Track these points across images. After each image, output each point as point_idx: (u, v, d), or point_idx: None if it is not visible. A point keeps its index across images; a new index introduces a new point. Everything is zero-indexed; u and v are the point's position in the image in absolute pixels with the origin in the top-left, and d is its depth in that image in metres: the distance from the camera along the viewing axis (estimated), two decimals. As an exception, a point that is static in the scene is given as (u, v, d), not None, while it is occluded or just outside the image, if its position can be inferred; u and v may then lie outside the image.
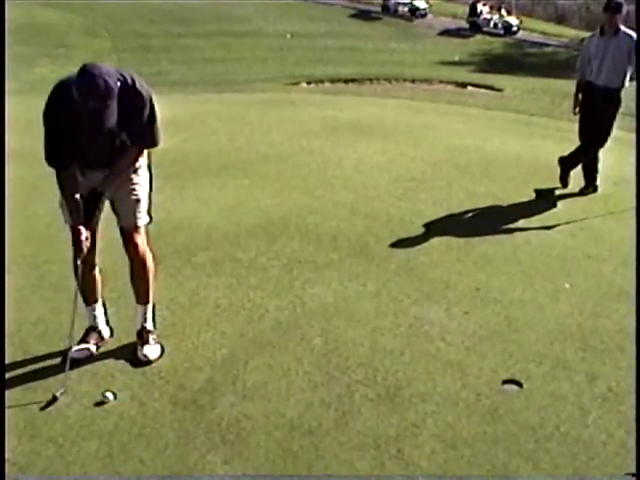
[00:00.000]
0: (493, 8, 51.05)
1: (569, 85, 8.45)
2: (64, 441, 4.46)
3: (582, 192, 8.99)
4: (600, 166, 8.87)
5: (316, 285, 6.48)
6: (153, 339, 5.36)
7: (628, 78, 8.59)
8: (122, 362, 5.26)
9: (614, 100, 8.61)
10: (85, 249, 5.03)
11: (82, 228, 4.99)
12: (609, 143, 8.55)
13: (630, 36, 8.51)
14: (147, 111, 4.85)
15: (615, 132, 8.67)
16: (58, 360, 5.22)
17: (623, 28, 8.55)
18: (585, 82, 8.80)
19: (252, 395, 4.91)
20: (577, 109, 8.87)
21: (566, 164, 9.03)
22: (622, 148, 8.10)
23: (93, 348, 5.33)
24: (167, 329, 5.68)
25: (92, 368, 5.17)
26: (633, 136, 8.65)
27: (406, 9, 53.07)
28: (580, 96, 8.87)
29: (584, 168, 9.06)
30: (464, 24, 51.44)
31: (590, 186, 9.01)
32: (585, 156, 8.90)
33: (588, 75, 8.74)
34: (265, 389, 4.98)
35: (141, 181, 5.29)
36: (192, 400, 4.85)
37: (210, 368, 5.20)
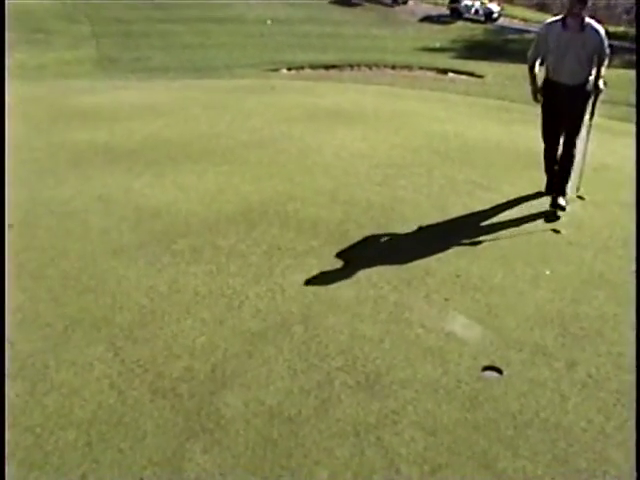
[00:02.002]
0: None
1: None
2: (42, 431, 4.43)
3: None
4: (579, 154, 8.52)
5: (296, 272, 6.46)
6: None
7: (594, 73, 7.82)
8: (101, 350, 5.23)
9: (581, 95, 7.86)
10: None
11: None
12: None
13: (597, 32, 7.69)
14: None
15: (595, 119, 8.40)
16: (36, 349, 5.20)
17: (589, 20, 7.69)
18: (544, 79, 8.08)
19: (231, 383, 4.89)
20: (539, 95, 8.08)
21: (563, 182, 8.24)
22: (601, 135, 8.07)
23: None
24: (146, 317, 5.65)
25: (70, 357, 5.14)
26: (612, 123, 8.56)
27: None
28: (539, 95, 8.10)
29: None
30: (445, 11, 51.47)
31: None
32: (570, 161, 8.13)
33: (545, 72, 8.01)
34: (244, 377, 4.96)
35: None
36: (171, 388, 4.83)
37: (189, 356, 5.18)
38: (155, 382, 4.90)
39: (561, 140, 8.15)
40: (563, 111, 7.95)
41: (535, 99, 8.15)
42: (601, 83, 7.81)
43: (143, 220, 7.47)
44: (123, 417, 4.56)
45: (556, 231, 7.40)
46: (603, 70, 7.84)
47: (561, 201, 8.12)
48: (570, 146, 8.07)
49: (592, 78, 7.84)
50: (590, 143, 8.13)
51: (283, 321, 5.65)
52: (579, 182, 8.29)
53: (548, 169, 8.36)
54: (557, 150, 8.20)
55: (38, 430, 4.44)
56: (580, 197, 8.32)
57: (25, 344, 5.28)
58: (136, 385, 4.87)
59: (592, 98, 7.93)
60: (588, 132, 8.08)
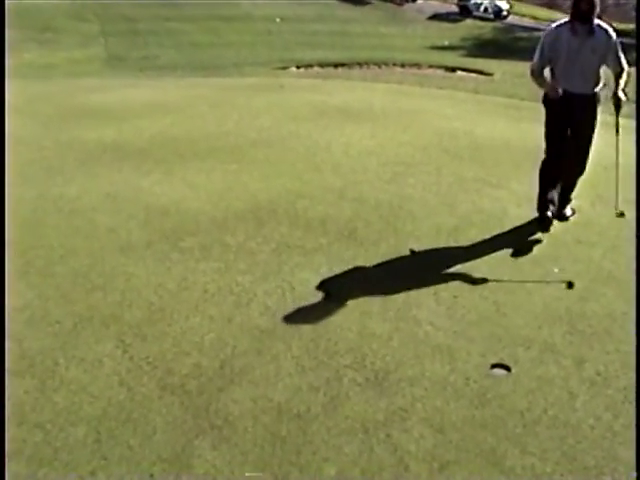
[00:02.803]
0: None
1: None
2: (52, 427, 4.43)
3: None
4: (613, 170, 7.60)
5: (305, 270, 6.47)
6: None
7: (602, 79, 7.31)
8: (110, 347, 5.25)
9: (593, 102, 7.35)
10: None
11: None
12: (598, 128, 7.54)
13: (608, 34, 7.12)
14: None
15: (605, 117, 7.76)
16: (46, 346, 5.22)
17: (597, 22, 7.08)
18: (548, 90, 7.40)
19: (240, 380, 4.90)
20: (556, 88, 7.21)
21: (569, 193, 7.81)
22: (611, 132, 8.01)
23: None
24: (155, 314, 5.67)
25: (79, 354, 5.15)
26: (622, 120, 8.41)
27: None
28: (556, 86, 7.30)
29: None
30: (454, 8, 51.50)
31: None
32: (581, 173, 7.64)
33: (552, 80, 7.36)
34: (253, 374, 4.96)
35: None
36: (180, 385, 4.84)
37: (198, 353, 5.19)
38: (164, 379, 4.91)
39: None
40: (574, 121, 7.38)
41: (555, 91, 7.22)
42: (621, 93, 7.17)
43: (152, 218, 7.48)
44: (132, 414, 4.57)
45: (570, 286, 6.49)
46: (623, 79, 7.24)
47: (567, 212, 7.79)
48: (582, 158, 7.53)
49: (601, 85, 7.32)
50: (621, 157, 7.49)
51: (292, 318, 5.66)
52: (617, 199, 7.46)
53: (546, 185, 7.66)
54: (562, 165, 7.62)
55: (48, 426, 4.44)
56: (621, 214, 7.38)
57: (34, 341, 5.30)
58: (145, 382, 4.88)
59: (599, 109, 7.39)
60: (617, 145, 7.43)
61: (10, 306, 5.66)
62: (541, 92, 7.56)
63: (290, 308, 5.82)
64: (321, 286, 6.20)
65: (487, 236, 7.30)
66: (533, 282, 6.40)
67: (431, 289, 6.19)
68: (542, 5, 55.87)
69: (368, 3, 52.71)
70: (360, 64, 28.33)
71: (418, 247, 7.01)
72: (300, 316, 5.70)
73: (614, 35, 7.21)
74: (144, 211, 7.66)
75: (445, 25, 47.71)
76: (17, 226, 7.17)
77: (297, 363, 5.09)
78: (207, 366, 5.04)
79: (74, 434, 4.38)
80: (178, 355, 5.17)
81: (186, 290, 6.10)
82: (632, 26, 35.08)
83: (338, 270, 6.49)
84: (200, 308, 5.80)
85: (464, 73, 26.72)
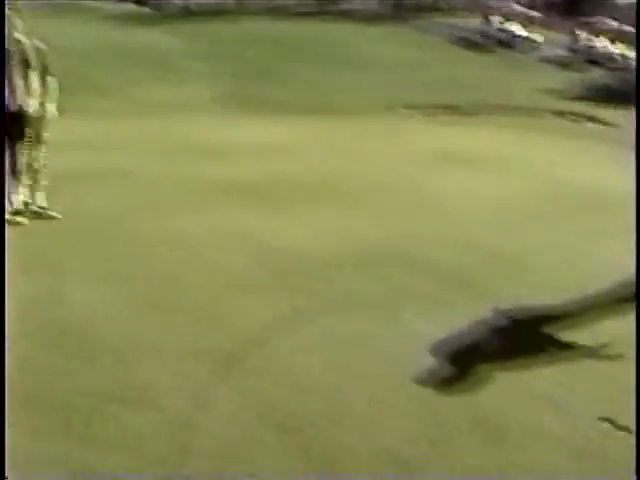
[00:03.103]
0: (603, 37, 50.51)
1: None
2: (163, 461, 4.40)
3: None
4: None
5: (418, 316, 6.39)
6: None
7: None
8: (217, 381, 5.25)
9: None
10: None
11: None
12: None
13: None
14: None
15: None
16: (152, 378, 5.26)
17: None
18: None
19: (349, 424, 4.84)
20: None
21: None
22: None
23: None
24: (266, 352, 5.69)
25: (187, 387, 5.16)
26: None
27: (518, 40, 52.66)
28: None
29: None
30: (571, 53, 50.87)
31: None
32: None
33: None
34: (362, 419, 4.91)
35: None
36: (293, 426, 4.79)
37: (309, 394, 5.16)
38: (273, 417, 4.88)
39: None
40: None
41: None
42: None
43: (260, 256, 7.55)
44: (238, 449, 4.54)
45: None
46: None
47: None
48: None
49: None
50: None
51: (403, 365, 5.58)
52: None
53: None
54: None
55: (160, 460, 4.43)
56: None
57: (141, 373, 5.36)
58: (253, 419, 4.85)
59: None
60: None
61: (122, 335, 5.76)
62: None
63: (403, 353, 5.76)
64: (434, 333, 6.09)
65: (610, 294, 7.09)
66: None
67: (547, 342, 6.09)
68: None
69: (485, 48, 52.60)
70: (474, 108, 28.14)
71: (540, 301, 6.85)
72: (411, 363, 5.61)
73: None
74: (253, 249, 7.74)
75: (562, 70, 47.12)
76: (134, 260, 7.31)
77: (409, 411, 5.02)
78: (315, 408, 5.02)
79: (186, 467, 4.36)
80: (289, 396, 5.15)
81: (296, 332, 6.08)
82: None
83: (452, 318, 6.38)
84: (313, 352, 5.78)
85: (583, 120, 26.26)
